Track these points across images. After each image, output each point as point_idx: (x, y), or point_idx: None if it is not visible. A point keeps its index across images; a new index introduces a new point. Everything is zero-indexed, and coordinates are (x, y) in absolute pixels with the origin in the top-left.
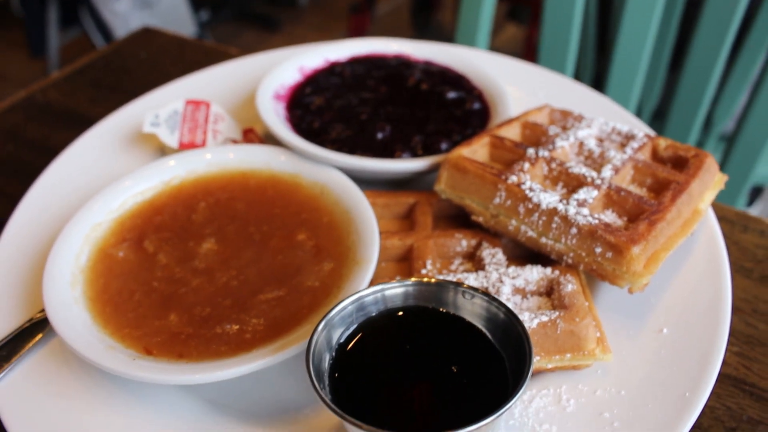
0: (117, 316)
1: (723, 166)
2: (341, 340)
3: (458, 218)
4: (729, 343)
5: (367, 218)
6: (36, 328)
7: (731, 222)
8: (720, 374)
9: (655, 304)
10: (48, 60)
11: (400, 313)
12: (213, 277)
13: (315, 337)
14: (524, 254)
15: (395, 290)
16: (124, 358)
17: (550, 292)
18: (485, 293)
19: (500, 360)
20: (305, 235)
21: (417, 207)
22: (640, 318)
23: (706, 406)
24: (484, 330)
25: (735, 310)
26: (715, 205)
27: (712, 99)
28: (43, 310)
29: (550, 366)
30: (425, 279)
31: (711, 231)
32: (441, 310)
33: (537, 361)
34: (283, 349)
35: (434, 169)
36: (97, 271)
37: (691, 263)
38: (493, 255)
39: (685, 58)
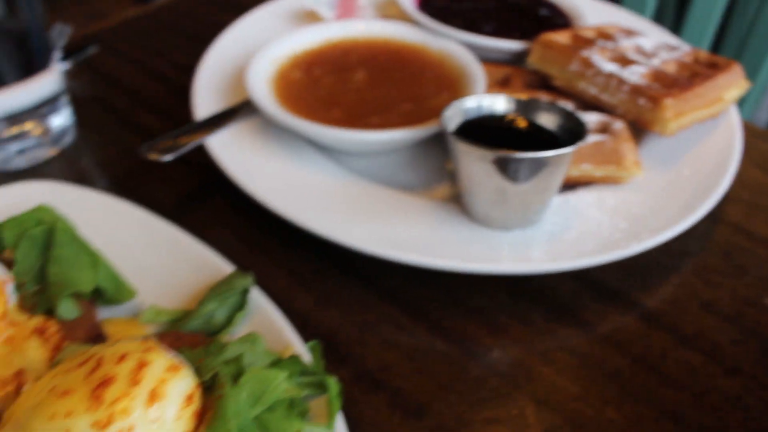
0: (296, 109)
1: None
2: (463, 121)
3: (541, 88)
4: (736, 203)
5: (476, 70)
6: (240, 108)
7: (758, 135)
8: (725, 222)
9: (681, 157)
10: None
11: (503, 114)
12: (364, 94)
13: (448, 110)
14: (587, 110)
15: (501, 100)
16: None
17: (603, 130)
18: (559, 105)
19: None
20: (430, 77)
21: (511, 77)
22: (669, 164)
23: (714, 233)
24: (558, 134)
25: (744, 187)
26: (745, 122)
27: None
28: (244, 100)
29: (597, 174)
30: (521, 96)
31: (732, 120)
32: (530, 116)
33: (589, 169)
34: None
35: (527, 53)
36: (278, 83)
37: (714, 136)
38: None
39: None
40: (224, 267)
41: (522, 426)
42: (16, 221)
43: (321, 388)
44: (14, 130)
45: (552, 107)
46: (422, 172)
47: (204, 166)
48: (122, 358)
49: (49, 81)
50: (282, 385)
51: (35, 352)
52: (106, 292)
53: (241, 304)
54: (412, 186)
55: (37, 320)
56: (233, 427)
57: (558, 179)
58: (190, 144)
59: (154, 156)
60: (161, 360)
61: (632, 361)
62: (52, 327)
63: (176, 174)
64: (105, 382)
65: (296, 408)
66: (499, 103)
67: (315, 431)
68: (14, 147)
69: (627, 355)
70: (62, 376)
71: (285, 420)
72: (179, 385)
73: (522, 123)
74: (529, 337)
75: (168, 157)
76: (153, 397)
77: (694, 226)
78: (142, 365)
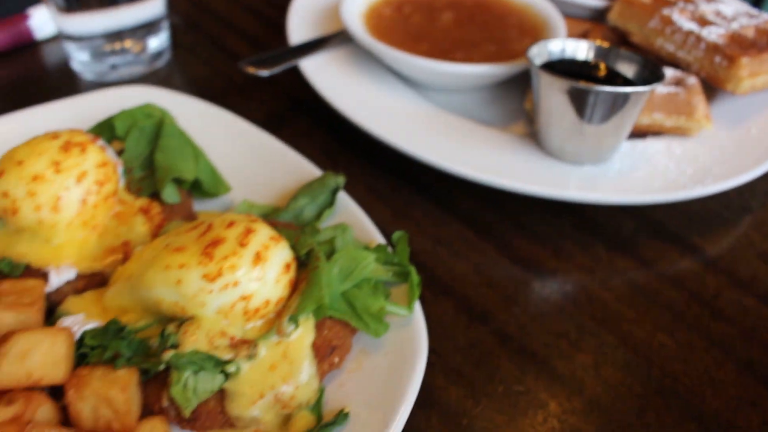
0: (387, 40)
1: None
2: (546, 60)
3: (618, 44)
4: None
5: (557, 20)
6: (330, 38)
7: None
8: None
9: (751, 117)
10: None
11: (584, 59)
12: (450, 33)
13: (534, 47)
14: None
15: (584, 46)
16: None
17: (677, 84)
18: (638, 55)
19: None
20: (513, 23)
21: (590, 32)
22: (738, 122)
23: None
24: (635, 81)
25: None
26: None
27: None
28: (336, 31)
29: (668, 124)
30: (603, 43)
31: None
32: (610, 63)
33: (660, 118)
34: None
35: (606, 11)
36: (371, 18)
37: None
38: None
39: None
40: (313, 171)
41: (578, 340)
42: (127, 114)
43: (402, 277)
44: (116, 45)
45: (631, 56)
46: (499, 111)
47: (290, 88)
48: (231, 224)
49: (155, 5)
50: (370, 265)
51: (140, 227)
52: (204, 184)
53: (330, 202)
54: (490, 122)
55: (142, 201)
56: (325, 294)
57: (632, 119)
58: (286, 64)
59: (252, 69)
60: (265, 230)
61: (687, 296)
62: (155, 208)
63: (264, 94)
64: (215, 242)
65: (380, 291)
66: (582, 49)
67: (396, 310)
68: (111, 61)
69: (682, 290)
70: (175, 237)
71: (371, 297)
72: (280, 253)
73: (602, 68)
74: (590, 264)
75: (264, 73)
76: (257, 259)
77: (756, 184)
78: (248, 231)
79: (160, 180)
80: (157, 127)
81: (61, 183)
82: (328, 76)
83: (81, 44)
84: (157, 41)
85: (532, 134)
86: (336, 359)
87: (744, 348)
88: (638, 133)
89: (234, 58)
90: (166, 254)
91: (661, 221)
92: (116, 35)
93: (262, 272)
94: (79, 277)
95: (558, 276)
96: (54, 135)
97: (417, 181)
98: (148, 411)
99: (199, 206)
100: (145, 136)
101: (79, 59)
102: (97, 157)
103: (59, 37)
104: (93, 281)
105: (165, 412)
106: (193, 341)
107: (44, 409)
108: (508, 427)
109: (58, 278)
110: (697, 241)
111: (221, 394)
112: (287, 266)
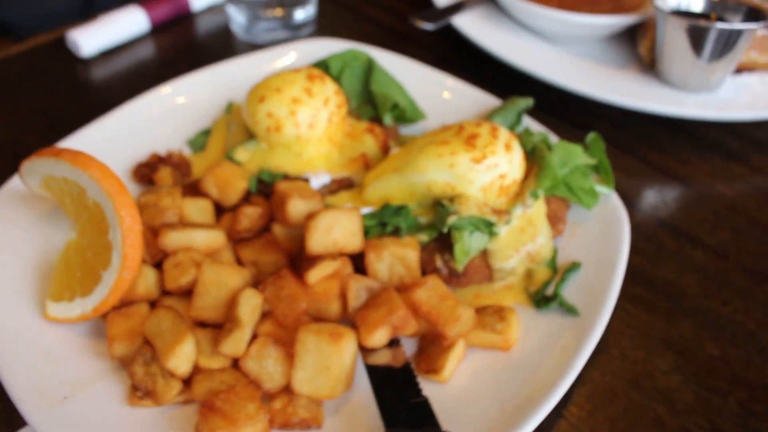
0: None
1: None
2: (669, 8)
3: None
4: None
5: None
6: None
7: None
8: None
9: None
10: None
11: (698, 10)
12: None
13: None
14: None
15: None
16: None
17: None
18: (743, 5)
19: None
20: None
21: None
22: None
23: None
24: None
25: None
26: None
27: None
28: None
29: (761, 60)
30: None
31: None
32: (719, 13)
33: (755, 56)
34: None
35: None
36: None
37: None
38: None
39: None
40: (491, 100)
41: (717, 222)
42: (338, 57)
43: (595, 168)
44: (269, 12)
45: (737, 6)
46: (612, 58)
47: (429, 44)
48: (479, 124)
49: None
50: (581, 155)
51: (371, 143)
52: (406, 112)
53: (517, 121)
54: (608, 64)
55: (365, 124)
56: (558, 173)
57: (739, 54)
58: (443, 20)
59: (420, 22)
60: (504, 128)
61: None
62: (377, 129)
63: (410, 51)
64: (473, 136)
65: (587, 175)
66: (696, 1)
67: (602, 189)
68: (261, 27)
69: None
70: (431, 137)
71: (582, 180)
72: (519, 145)
73: (713, 17)
74: (711, 171)
75: (429, 26)
76: (507, 147)
77: None
78: (494, 129)
79: (382, 106)
80: (367, 67)
81: (313, 105)
82: (479, 29)
83: (242, 7)
84: (304, 13)
85: (648, 72)
86: (560, 227)
87: None
88: (736, 71)
89: (374, 24)
90: (434, 147)
91: (761, 140)
92: (274, 2)
93: (511, 157)
94: (332, 181)
95: (688, 179)
96: (295, 70)
97: (557, 111)
98: (420, 272)
99: (401, 131)
100: (356, 74)
101: (238, 21)
102: (333, 85)
103: (213, 8)
104: (342, 184)
105: (437, 271)
106: (467, 209)
107: (349, 269)
108: (675, 282)
109: (317, 181)
110: None
111: (483, 254)
112: (525, 155)
